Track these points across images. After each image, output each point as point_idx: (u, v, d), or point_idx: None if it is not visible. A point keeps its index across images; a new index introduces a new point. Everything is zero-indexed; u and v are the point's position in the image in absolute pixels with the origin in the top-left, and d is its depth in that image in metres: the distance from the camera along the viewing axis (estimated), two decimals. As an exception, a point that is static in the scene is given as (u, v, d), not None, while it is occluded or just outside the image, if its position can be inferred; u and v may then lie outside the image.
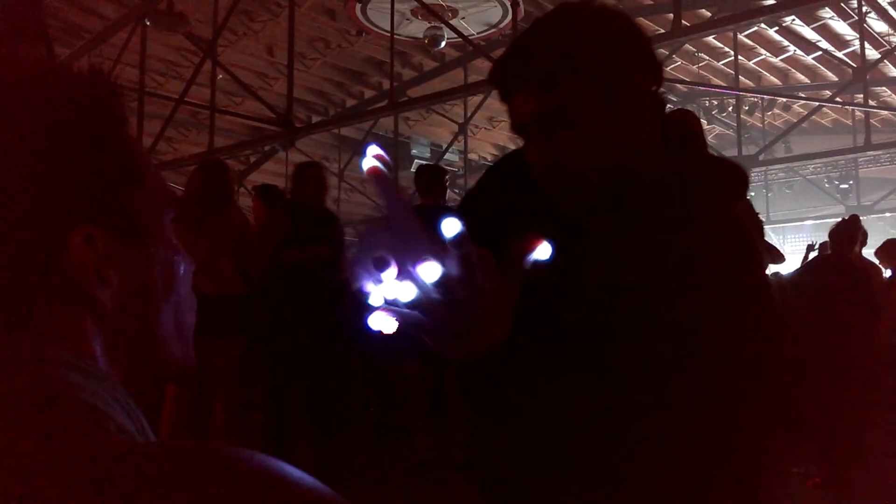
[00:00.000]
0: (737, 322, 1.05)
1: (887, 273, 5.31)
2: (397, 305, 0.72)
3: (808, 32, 10.29)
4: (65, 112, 0.58)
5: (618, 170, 1.03)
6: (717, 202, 1.12)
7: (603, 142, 1.01)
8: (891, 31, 10.16)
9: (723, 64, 11.39)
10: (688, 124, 2.63)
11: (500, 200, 1.12)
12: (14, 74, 0.58)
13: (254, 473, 0.43)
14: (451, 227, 0.70)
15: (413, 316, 0.72)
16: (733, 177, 1.16)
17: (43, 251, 0.55)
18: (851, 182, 13.89)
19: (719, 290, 1.04)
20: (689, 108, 12.14)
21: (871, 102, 10.03)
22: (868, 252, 5.74)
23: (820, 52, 10.63)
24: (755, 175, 12.42)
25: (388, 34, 8.54)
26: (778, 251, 4.25)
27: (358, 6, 9.21)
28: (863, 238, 5.63)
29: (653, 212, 1.04)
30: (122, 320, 0.59)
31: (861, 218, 5.41)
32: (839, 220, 5.39)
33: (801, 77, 11.83)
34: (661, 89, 1.09)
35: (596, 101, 1.01)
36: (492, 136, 13.49)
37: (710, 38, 10.31)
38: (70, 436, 0.44)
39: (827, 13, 9.61)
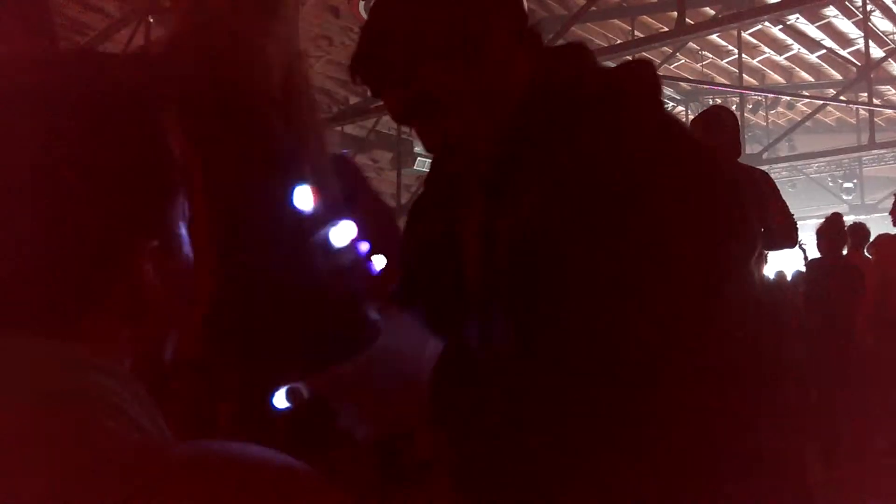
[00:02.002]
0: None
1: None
2: None
3: (813, 31, 10.27)
4: (133, 127, 0.59)
5: (503, 123, 1.00)
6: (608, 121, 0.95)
7: (475, 107, 0.99)
8: (895, 30, 10.15)
9: (726, 62, 11.37)
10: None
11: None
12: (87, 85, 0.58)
13: (271, 470, 0.43)
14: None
15: None
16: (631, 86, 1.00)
17: (109, 260, 0.55)
18: (855, 181, 13.86)
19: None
20: (691, 105, 12.15)
21: (875, 101, 10.01)
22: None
23: (824, 51, 10.61)
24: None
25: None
26: (789, 232, 3.78)
27: (361, 4, 9.21)
28: (861, 238, 5.61)
29: (547, 156, 0.96)
30: (153, 326, 0.60)
31: (864, 217, 5.41)
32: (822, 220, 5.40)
33: (805, 75, 11.81)
34: (529, 25, 1.04)
35: (454, 74, 0.97)
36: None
37: (714, 37, 10.29)
38: (98, 434, 0.45)
39: (831, 11, 9.59)
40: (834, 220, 5.36)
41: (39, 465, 0.43)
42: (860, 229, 5.92)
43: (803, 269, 6.07)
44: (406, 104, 1.01)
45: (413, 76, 0.97)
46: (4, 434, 0.44)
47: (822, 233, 5.31)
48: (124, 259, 0.56)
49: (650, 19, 9.63)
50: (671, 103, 12.17)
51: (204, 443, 0.47)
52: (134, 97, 0.60)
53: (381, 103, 1.13)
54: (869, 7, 9.20)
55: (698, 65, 11.35)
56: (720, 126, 3.49)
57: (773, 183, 3.95)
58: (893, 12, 9.66)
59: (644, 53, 9.34)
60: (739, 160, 3.66)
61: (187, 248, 0.63)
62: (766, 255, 4.14)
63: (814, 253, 5.54)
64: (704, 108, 4.78)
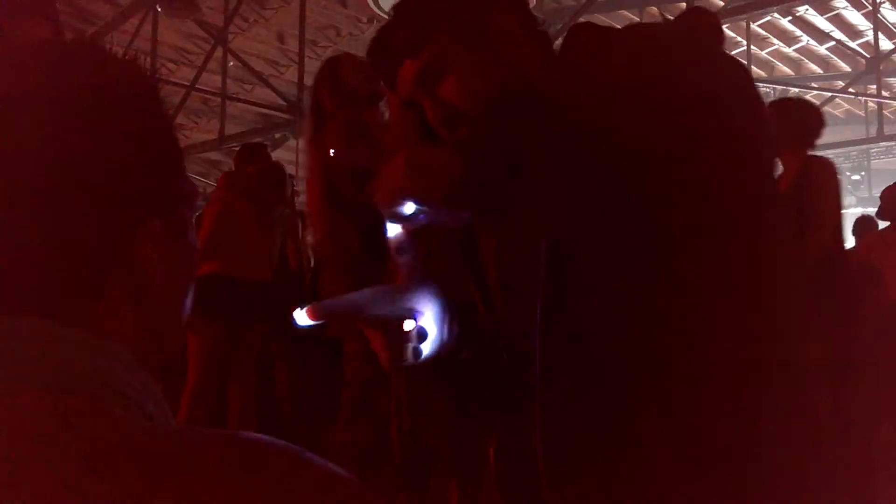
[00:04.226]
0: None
1: None
2: None
3: (822, 22, 10.22)
4: (133, 105, 0.59)
5: (505, 97, 1.07)
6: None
7: (480, 76, 1.08)
8: (905, 22, 10.09)
9: (735, 54, 11.31)
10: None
11: None
12: (77, 68, 0.58)
13: (278, 461, 0.44)
14: None
15: None
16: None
17: (112, 243, 0.55)
18: (863, 173, 13.79)
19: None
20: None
21: (884, 93, 9.95)
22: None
23: (833, 43, 10.55)
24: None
25: (399, 22, 8.52)
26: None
27: (369, -7, 9.20)
28: (870, 230, 5.56)
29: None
30: (156, 310, 0.59)
31: (873, 209, 5.36)
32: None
33: (814, 67, 11.75)
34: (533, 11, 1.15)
35: (461, 44, 1.08)
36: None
37: (723, 28, 10.24)
38: (68, 417, 0.45)
39: (840, 3, 9.54)
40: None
41: (51, 457, 0.42)
42: (868, 222, 5.85)
43: None
44: (415, 71, 1.09)
45: (420, 46, 1.08)
46: (10, 424, 0.44)
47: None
48: (125, 238, 0.55)
49: (659, 10, 9.58)
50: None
51: (218, 432, 0.46)
52: (133, 82, 0.61)
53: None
54: (879, -2, 9.15)
55: (706, 56, 11.29)
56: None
57: (836, 179, 3.91)
58: (903, 4, 9.60)
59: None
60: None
61: (191, 232, 0.64)
62: None
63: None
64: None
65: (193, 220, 0.66)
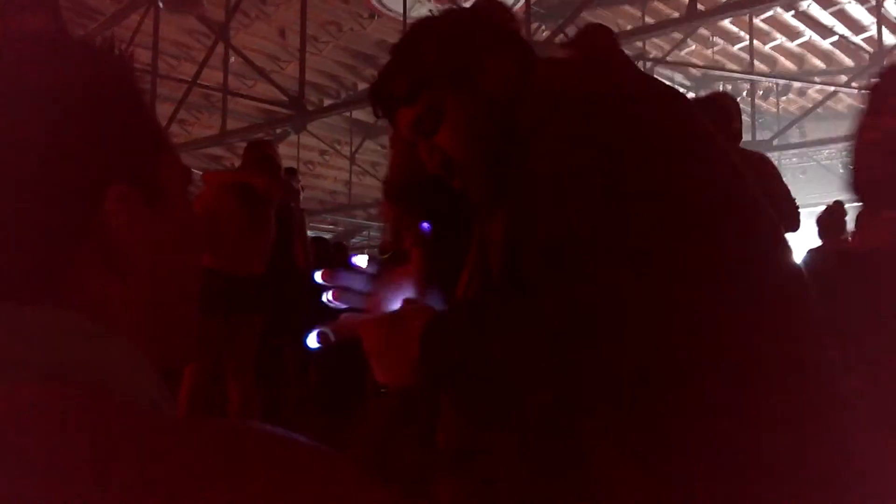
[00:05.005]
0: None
1: None
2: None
3: (825, 17, 10.20)
4: (96, 76, 0.58)
5: (501, 142, 1.09)
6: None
7: (476, 122, 1.10)
8: (908, 16, 10.06)
9: (738, 48, 11.30)
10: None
11: None
12: (40, 44, 0.58)
13: (283, 451, 0.43)
14: None
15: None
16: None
17: (79, 211, 0.54)
18: (866, 168, 13.77)
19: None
20: (702, 92, 12.07)
21: (887, 88, 9.92)
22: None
23: (836, 37, 10.53)
24: (769, 161, 12.34)
25: (401, 17, 8.51)
26: (792, 216, 3.77)
27: (370, -11, 9.19)
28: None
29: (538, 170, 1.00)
30: (149, 289, 0.58)
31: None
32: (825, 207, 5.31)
33: (817, 62, 11.73)
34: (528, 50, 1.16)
35: (456, 93, 1.10)
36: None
37: (726, 22, 10.22)
38: (70, 408, 0.44)
39: (844, -3, 9.53)
40: (836, 209, 5.26)
41: (52, 451, 0.41)
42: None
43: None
44: (412, 119, 1.12)
45: (418, 94, 1.11)
46: (11, 419, 0.43)
47: (823, 222, 5.21)
48: (87, 204, 0.54)
49: (661, 5, 9.57)
50: (682, 90, 12.10)
51: (224, 421, 0.46)
52: (105, 54, 0.60)
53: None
54: (882, -7, 9.13)
55: (709, 51, 11.28)
56: (723, 113, 3.48)
57: (774, 167, 3.93)
58: (907, -2, 9.58)
59: (655, 40, 9.30)
60: (750, 146, 3.65)
61: (181, 206, 0.63)
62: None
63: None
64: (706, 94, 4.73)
65: (188, 198, 0.65)
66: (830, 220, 5.10)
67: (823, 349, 0.95)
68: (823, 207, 5.43)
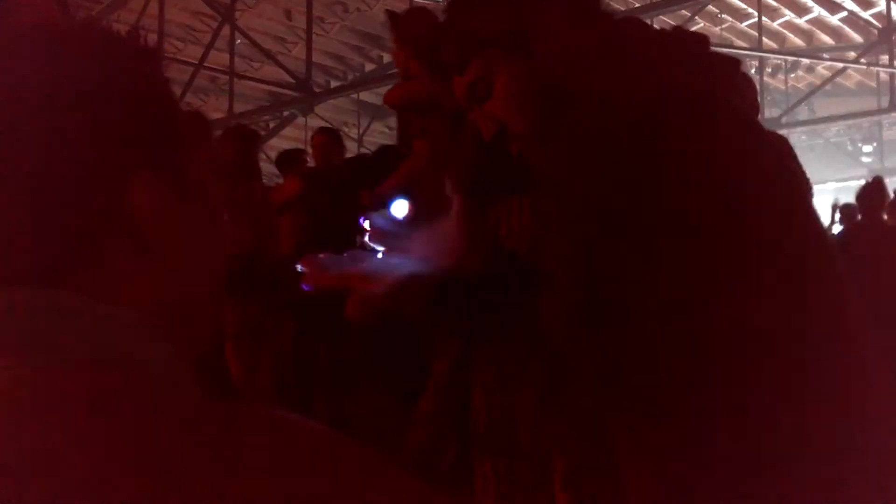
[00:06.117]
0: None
1: None
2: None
3: (834, -8, 10.11)
4: (123, 66, 0.58)
5: (550, 109, 1.07)
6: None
7: (523, 92, 1.08)
8: (918, -9, 9.96)
9: (746, 25, 11.21)
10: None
11: None
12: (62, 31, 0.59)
13: (318, 441, 0.44)
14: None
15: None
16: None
17: (106, 197, 0.54)
18: (875, 144, 13.69)
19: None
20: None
21: (896, 63, 9.86)
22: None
23: (845, 13, 10.43)
24: (777, 138, 12.26)
25: (407, -3, 8.47)
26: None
27: (376, -31, 9.14)
28: (888, 202, 5.46)
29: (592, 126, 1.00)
30: (177, 274, 0.58)
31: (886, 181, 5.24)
32: (864, 182, 5.20)
33: (826, 38, 11.63)
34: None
35: (506, 57, 1.08)
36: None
37: (734, -1, 10.15)
38: (117, 397, 0.45)
39: (853, -28, 9.43)
40: (877, 184, 5.13)
41: (85, 440, 0.41)
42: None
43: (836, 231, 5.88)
44: (464, 87, 1.11)
45: (467, 64, 1.09)
46: (39, 406, 0.44)
47: (864, 197, 5.06)
48: (113, 192, 0.54)
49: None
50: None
51: (259, 408, 0.46)
52: (132, 41, 0.61)
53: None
54: (892, -33, 9.03)
55: (718, 28, 11.20)
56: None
57: (790, 148, 3.91)
58: (917, -28, 9.47)
59: (663, 17, 9.22)
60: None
61: (204, 194, 0.63)
62: None
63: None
64: None
65: (208, 184, 0.66)
66: (870, 195, 5.00)
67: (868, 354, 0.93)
68: (832, 184, 5.38)
